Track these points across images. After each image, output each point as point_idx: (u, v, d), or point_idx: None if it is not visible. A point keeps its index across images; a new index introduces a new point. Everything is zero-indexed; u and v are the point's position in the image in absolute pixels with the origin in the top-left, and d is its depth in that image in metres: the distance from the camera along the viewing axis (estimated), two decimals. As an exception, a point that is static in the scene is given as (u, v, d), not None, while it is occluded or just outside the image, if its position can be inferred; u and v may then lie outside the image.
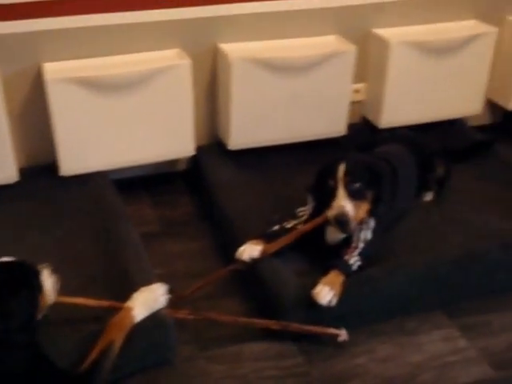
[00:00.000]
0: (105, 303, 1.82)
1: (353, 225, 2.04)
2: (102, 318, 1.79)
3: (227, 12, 2.61)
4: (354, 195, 2.04)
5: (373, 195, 2.08)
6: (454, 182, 2.62)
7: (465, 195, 2.59)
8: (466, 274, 2.20)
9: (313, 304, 1.93)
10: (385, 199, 2.12)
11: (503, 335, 2.07)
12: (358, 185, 2.04)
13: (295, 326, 1.96)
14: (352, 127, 2.89)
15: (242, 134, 2.68)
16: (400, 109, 2.87)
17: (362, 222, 2.10)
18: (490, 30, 2.87)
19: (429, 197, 2.56)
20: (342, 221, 2.02)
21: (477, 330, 2.08)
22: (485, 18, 2.96)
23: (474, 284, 2.23)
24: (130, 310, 1.76)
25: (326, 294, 1.93)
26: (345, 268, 2.03)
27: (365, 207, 2.08)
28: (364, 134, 2.89)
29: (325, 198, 2.08)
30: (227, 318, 2.00)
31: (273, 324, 1.96)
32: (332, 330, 1.97)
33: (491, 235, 2.31)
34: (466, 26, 2.91)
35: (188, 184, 2.85)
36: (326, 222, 2.09)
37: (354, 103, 2.92)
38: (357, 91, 2.92)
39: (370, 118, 2.96)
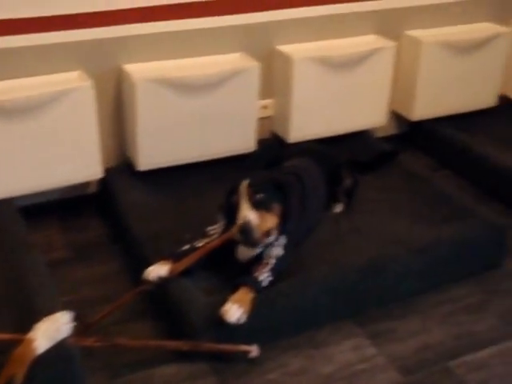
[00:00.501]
0: (6, 336, 1.76)
1: (257, 234, 2.03)
2: (4, 351, 1.72)
3: (130, 32, 2.60)
4: (257, 205, 2.04)
5: (281, 210, 2.10)
6: (362, 193, 2.69)
7: (372, 205, 2.65)
8: (375, 282, 2.25)
9: (222, 323, 1.93)
10: (294, 214, 2.14)
11: (410, 340, 2.12)
12: (261, 195, 2.05)
13: (206, 346, 1.95)
14: (262, 143, 2.93)
15: (150, 155, 2.66)
16: (307, 123, 2.93)
17: (268, 235, 2.10)
18: (389, 44, 2.97)
19: (338, 208, 2.61)
20: (245, 229, 2.01)
21: (385, 337, 2.13)
22: (384, 33, 3.06)
23: (383, 291, 2.28)
24: (31, 341, 1.70)
25: (234, 311, 1.93)
26: (255, 285, 2.04)
27: (272, 219, 2.08)
28: (274, 149, 2.92)
29: (233, 215, 2.09)
30: (136, 343, 1.97)
31: (183, 345, 1.95)
32: (243, 347, 1.97)
33: (397, 242, 2.37)
34: (367, 41, 3.00)
35: (99, 207, 2.80)
36: (234, 240, 2.10)
37: (263, 119, 2.96)
38: (265, 107, 2.96)
39: (279, 132, 3.00)
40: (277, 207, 2.09)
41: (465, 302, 2.30)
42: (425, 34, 3.09)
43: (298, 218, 2.25)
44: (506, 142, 3.17)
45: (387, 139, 3.29)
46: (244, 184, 2.05)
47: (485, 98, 3.35)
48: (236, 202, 2.06)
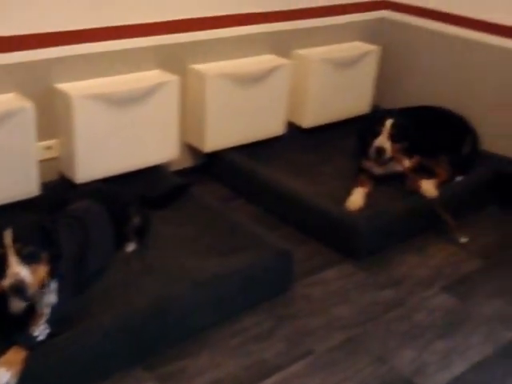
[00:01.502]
0: None
1: (32, 291, 1.91)
2: None
3: None
4: (27, 260, 1.90)
5: (49, 255, 1.98)
6: (156, 229, 2.65)
7: (166, 241, 2.63)
8: (162, 322, 2.20)
9: (-11, 390, 1.77)
10: (63, 258, 2.03)
11: (200, 378, 2.10)
12: (30, 248, 1.92)
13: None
14: (48, 185, 2.78)
15: None
16: (95, 162, 2.82)
17: (43, 286, 1.98)
18: (172, 78, 2.98)
19: (130, 247, 2.55)
20: (19, 289, 1.87)
21: (175, 378, 2.09)
22: (168, 67, 3.06)
23: (172, 330, 2.24)
24: None
25: (1, 376, 1.77)
26: (28, 341, 1.90)
27: (42, 269, 1.95)
28: (61, 191, 2.78)
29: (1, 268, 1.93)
30: None
31: None
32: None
33: (186, 277, 2.35)
34: (150, 76, 2.98)
35: None
36: (4, 293, 1.94)
37: (48, 160, 2.83)
38: (49, 148, 2.83)
39: (67, 174, 2.87)
40: (45, 255, 1.97)
41: (255, 331, 2.33)
42: (209, 67, 3.15)
43: (76, 261, 2.16)
44: (295, 168, 3.31)
45: (184, 172, 3.29)
46: (8, 236, 1.90)
47: (273, 126, 3.46)
48: (2, 256, 1.90)
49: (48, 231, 2.00)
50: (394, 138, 3.05)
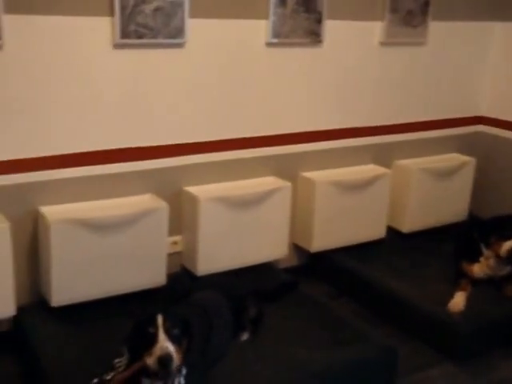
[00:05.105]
0: None
1: (175, 366, 2.12)
2: None
3: (50, 176, 2.80)
4: (173, 340, 2.14)
5: (186, 344, 2.22)
6: (266, 321, 2.87)
7: (276, 332, 2.82)
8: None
9: None
10: (196, 349, 2.26)
11: None
12: (176, 330, 2.17)
13: None
14: (172, 276, 3.10)
15: (63, 291, 2.76)
16: (214, 257, 3.14)
17: (177, 369, 2.21)
18: (286, 184, 3.31)
19: (245, 336, 2.77)
20: (166, 360, 2.08)
21: None
22: (281, 174, 3.42)
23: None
24: None
25: None
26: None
27: (181, 353, 2.19)
28: (183, 283, 3.10)
29: (142, 347, 2.17)
30: None
31: None
32: None
33: (300, 367, 2.53)
34: (265, 182, 3.34)
35: (13, 344, 2.83)
36: (143, 373, 2.16)
37: (173, 254, 3.17)
38: (175, 243, 3.17)
39: (189, 266, 3.19)
40: (184, 342, 2.21)
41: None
42: (318, 175, 3.46)
43: (202, 350, 2.38)
44: (396, 270, 3.49)
45: (290, 270, 3.54)
46: (160, 318, 2.16)
47: (375, 230, 3.70)
48: (153, 333, 2.14)
49: (190, 325, 2.25)
50: None
